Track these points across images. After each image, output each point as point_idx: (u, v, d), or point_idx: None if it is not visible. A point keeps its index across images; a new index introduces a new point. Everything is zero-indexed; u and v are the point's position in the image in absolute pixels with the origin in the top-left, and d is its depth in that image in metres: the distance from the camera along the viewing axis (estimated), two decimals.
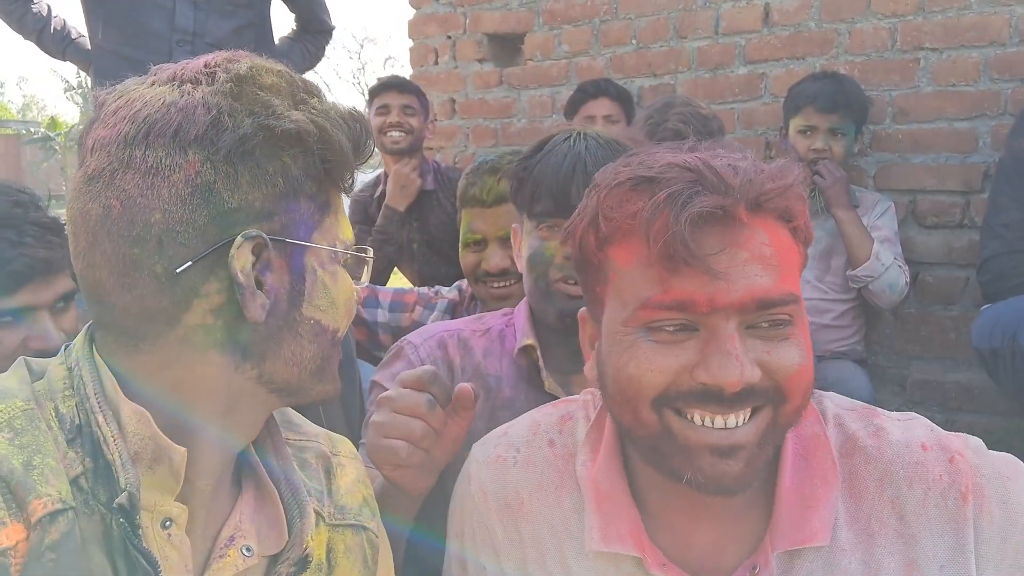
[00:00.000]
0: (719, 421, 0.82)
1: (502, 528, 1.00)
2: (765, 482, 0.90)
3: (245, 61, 0.82)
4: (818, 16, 2.98)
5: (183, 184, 0.76)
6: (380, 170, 3.35)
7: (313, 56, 3.01)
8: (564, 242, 0.97)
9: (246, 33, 2.62)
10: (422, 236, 3.17)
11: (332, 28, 3.06)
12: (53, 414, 0.78)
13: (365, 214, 3.28)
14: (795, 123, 2.71)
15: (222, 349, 0.81)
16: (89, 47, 2.74)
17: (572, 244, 0.92)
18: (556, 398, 1.34)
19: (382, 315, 2.13)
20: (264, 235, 0.79)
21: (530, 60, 3.65)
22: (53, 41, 2.85)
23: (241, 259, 0.78)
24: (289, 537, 0.89)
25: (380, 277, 3.05)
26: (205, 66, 0.81)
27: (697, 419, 0.82)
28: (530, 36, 3.63)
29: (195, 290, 0.78)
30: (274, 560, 0.90)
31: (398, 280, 3.26)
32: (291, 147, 0.80)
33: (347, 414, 1.65)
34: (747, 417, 0.83)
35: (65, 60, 2.94)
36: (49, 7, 2.88)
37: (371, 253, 0.94)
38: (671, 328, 0.83)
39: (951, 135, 2.80)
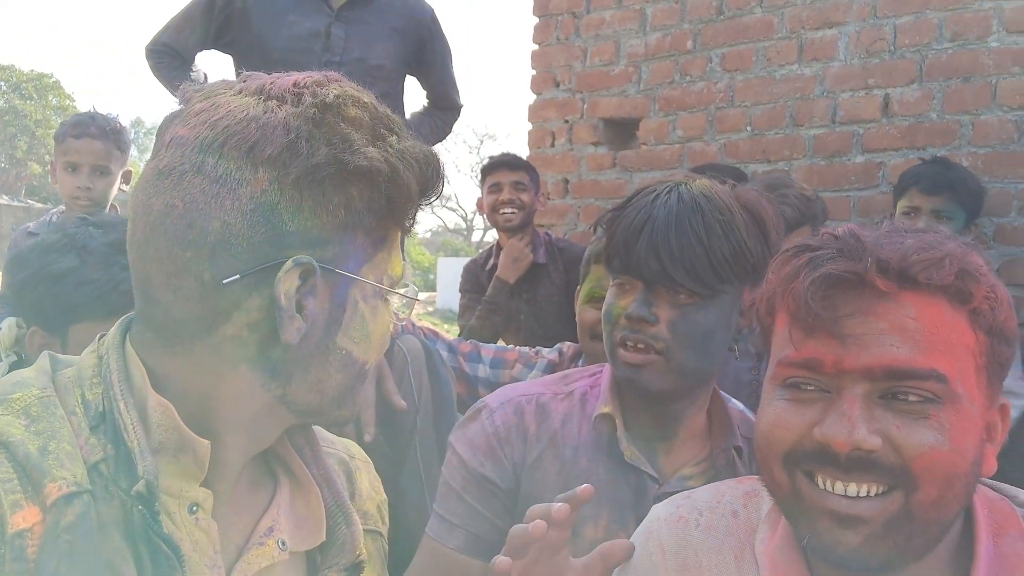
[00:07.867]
0: (839, 487, 0.81)
1: None
2: None
3: (334, 88, 0.82)
4: (940, 107, 2.98)
5: (247, 199, 0.77)
6: (493, 243, 3.46)
7: (441, 131, 3.13)
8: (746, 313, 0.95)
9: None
10: (530, 308, 3.24)
11: (460, 106, 3.17)
12: (79, 400, 0.80)
13: (476, 283, 3.39)
14: (900, 205, 2.68)
15: (252, 365, 0.81)
16: None
17: (756, 315, 0.94)
18: (638, 470, 1.28)
19: (483, 371, 2.19)
20: (314, 262, 0.79)
21: (644, 144, 3.75)
22: None
23: (287, 282, 0.78)
24: (327, 539, 0.91)
25: None
26: (294, 85, 0.81)
27: (820, 482, 0.82)
28: (645, 121, 3.74)
29: (237, 303, 0.79)
30: (311, 561, 0.91)
31: None
32: (360, 182, 0.80)
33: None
34: (872, 492, 0.81)
35: None
36: (205, 75, 3.00)
37: (415, 294, 0.93)
38: (808, 388, 0.84)
39: None
